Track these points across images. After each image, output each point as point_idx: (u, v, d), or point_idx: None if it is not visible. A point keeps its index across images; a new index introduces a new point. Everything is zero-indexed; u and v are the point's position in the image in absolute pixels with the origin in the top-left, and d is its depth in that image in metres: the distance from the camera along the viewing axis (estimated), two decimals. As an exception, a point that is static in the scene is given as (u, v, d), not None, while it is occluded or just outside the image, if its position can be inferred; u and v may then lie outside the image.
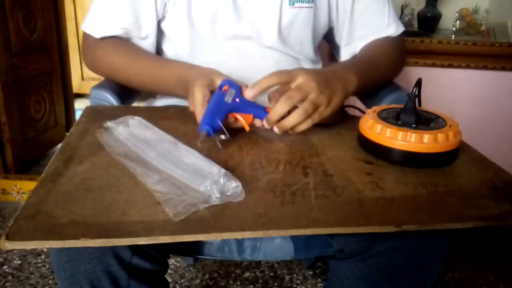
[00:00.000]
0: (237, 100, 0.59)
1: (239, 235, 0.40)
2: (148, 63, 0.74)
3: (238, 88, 0.61)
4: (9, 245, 0.36)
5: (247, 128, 0.60)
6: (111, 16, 0.75)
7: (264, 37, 0.78)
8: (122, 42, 0.76)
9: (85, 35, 0.77)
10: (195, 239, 0.39)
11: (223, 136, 0.55)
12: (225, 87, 0.60)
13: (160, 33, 0.81)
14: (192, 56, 0.80)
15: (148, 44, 0.78)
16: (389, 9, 0.80)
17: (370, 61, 0.76)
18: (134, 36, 0.77)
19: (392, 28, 0.80)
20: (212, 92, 0.60)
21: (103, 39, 0.76)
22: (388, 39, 0.80)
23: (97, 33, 0.75)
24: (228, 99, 0.58)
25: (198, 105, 0.59)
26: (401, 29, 0.81)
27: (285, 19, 0.77)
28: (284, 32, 0.78)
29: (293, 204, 0.44)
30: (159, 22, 0.79)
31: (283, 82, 0.58)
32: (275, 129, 0.59)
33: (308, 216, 0.42)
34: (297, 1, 0.76)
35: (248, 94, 0.59)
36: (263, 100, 0.71)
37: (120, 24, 0.75)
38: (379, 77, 0.77)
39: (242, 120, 0.59)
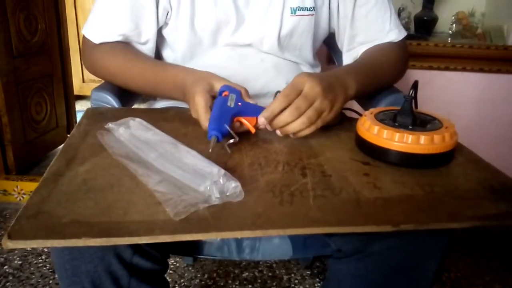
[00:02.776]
0: (239, 104, 0.59)
1: (238, 234, 0.41)
2: (145, 67, 0.74)
3: (237, 92, 0.61)
4: (11, 244, 0.37)
5: (252, 131, 0.60)
6: (111, 22, 0.75)
7: (263, 44, 0.79)
8: (119, 46, 0.76)
9: (85, 39, 0.78)
10: (195, 238, 0.40)
11: (232, 140, 0.55)
12: (225, 93, 0.60)
13: (160, 38, 0.82)
14: (192, 61, 0.80)
15: (147, 49, 0.79)
16: (391, 15, 0.79)
17: (370, 67, 0.76)
18: (133, 41, 0.77)
19: (394, 34, 0.79)
20: (213, 97, 0.61)
21: (102, 43, 0.76)
22: (390, 44, 0.80)
23: (96, 39, 0.76)
24: (231, 103, 0.59)
25: (202, 111, 0.59)
26: (403, 34, 0.81)
27: (286, 27, 0.77)
28: (284, 40, 0.79)
29: (291, 204, 0.45)
30: (160, 28, 0.79)
31: (293, 100, 0.57)
32: (278, 132, 0.60)
33: (307, 215, 0.43)
34: (298, 10, 0.76)
35: (262, 121, 0.57)
36: (263, 102, 0.71)
37: (120, 31, 0.75)
38: (379, 82, 0.77)
39: (247, 123, 0.59)
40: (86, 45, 0.79)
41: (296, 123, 0.57)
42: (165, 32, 0.80)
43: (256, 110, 0.60)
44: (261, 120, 0.57)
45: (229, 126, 0.56)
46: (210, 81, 0.62)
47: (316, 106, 0.57)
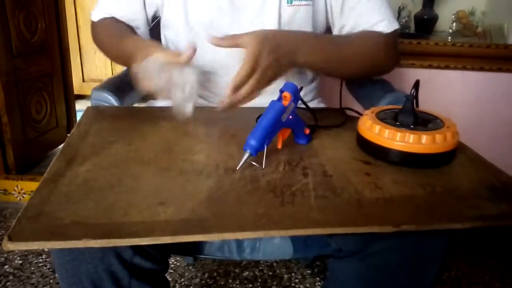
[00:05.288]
0: (290, 117, 0.56)
1: (239, 235, 0.41)
2: (118, 39, 0.78)
3: (297, 98, 0.57)
4: (11, 246, 0.37)
5: (279, 146, 0.58)
6: (107, 5, 0.82)
7: None
8: (110, 22, 0.82)
9: (91, 22, 0.85)
10: (196, 239, 0.40)
11: (256, 164, 0.52)
12: (287, 97, 0.56)
13: (164, 37, 0.85)
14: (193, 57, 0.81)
15: (141, 33, 0.84)
16: (381, 6, 0.78)
17: (338, 43, 0.75)
18: (127, 23, 0.83)
19: (383, 25, 0.77)
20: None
21: (100, 21, 0.82)
22: (376, 33, 0.78)
23: (94, 18, 0.83)
24: (284, 117, 0.55)
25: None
26: (393, 27, 0.78)
27: (284, 17, 0.77)
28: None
29: (293, 205, 0.45)
30: (161, 27, 0.82)
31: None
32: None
33: (308, 216, 0.43)
34: None
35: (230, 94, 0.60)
36: (264, 99, 0.71)
37: (114, 14, 0.82)
38: (346, 63, 0.76)
39: (280, 137, 0.57)
40: (91, 27, 0.85)
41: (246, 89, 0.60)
42: (164, 30, 0.82)
43: (297, 124, 0.58)
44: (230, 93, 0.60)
45: (267, 144, 0.52)
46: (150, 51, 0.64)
47: (262, 70, 0.61)
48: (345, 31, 0.80)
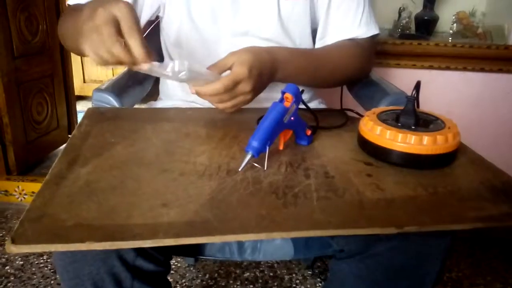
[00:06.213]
0: (292, 118, 0.56)
1: (242, 237, 0.41)
2: (71, 16, 0.67)
3: (298, 99, 0.57)
4: (15, 249, 0.37)
5: (280, 147, 0.58)
6: None
7: (264, 31, 0.79)
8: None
9: None
10: (199, 242, 0.40)
11: (258, 166, 0.52)
12: (288, 100, 0.56)
13: (167, 38, 0.84)
14: (194, 53, 0.81)
15: None
16: (364, 11, 0.79)
17: (315, 58, 0.77)
18: None
19: (362, 30, 0.79)
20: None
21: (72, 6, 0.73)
22: (353, 41, 0.80)
23: (71, 1, 0.74)
24: (286, 118, 0.55)
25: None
26: (372, 32, 0.81)
27: (284, 11, 0.78)
28: (284, 25, 0.79)
29: (295, 206, 0.44)
30: (161, 27, 0.81)
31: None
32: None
33: (311, 218, 0.43)
34: None
35: (195, 92, 0.62)
36: (267, 96, 0.71)
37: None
38: (324, 76, 0.78)
39: (281, 138, 0.57)
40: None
41: (218, 105, 0.64)
42: (164, 29, 0.82)
43: (298, 125, 0.58)
44: (194, 91, 0.62)
45: (269, 146, 0.52)
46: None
47: (240, 99, 0.63)
48: (329, 31, 0.81)
